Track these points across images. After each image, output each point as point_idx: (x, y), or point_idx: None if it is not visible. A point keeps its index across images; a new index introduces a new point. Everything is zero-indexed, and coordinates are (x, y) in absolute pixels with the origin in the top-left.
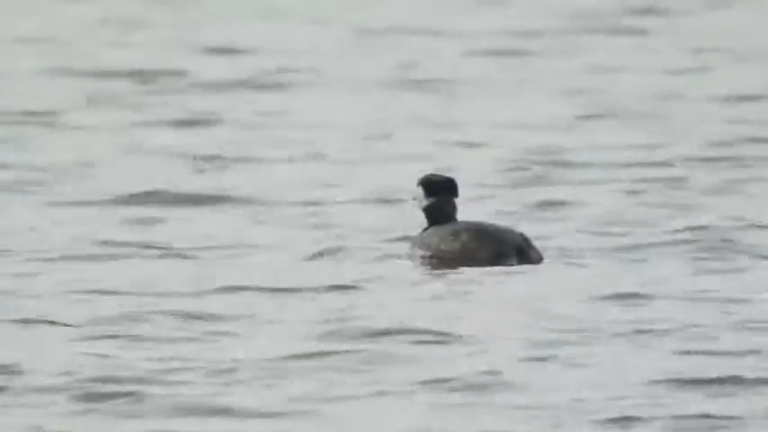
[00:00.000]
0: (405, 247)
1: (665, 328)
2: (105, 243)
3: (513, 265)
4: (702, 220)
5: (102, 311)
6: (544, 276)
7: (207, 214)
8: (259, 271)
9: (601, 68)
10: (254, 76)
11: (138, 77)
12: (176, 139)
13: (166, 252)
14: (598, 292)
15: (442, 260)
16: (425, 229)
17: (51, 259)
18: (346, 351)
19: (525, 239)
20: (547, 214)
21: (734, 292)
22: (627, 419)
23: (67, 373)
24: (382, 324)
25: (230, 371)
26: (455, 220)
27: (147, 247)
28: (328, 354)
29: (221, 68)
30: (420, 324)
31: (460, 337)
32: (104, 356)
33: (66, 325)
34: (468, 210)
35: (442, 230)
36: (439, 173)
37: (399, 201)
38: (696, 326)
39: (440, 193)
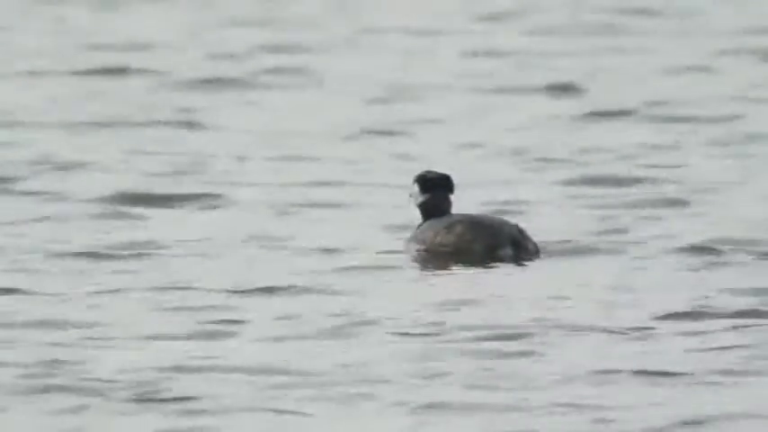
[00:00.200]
0: (401, 244)
1: (658, 322)
2: (108, 244)
3: (508, 256)
4: (701, 220)
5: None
6: (540, 269)
7: (207, 214)
8: (259, 271)
9: (601, 68)
10: (251, 75)
11: (125, 75)
12: (175, 139)
13: (167, 251)
14: (594, 286)
15: (437, 253)
16: (420, 225)
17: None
18: (345, 351)
19: (521, 231)
20: (543, 209)
21: (726, 287)
22: (612, 411)
23: (67, 374)
24: (374, 318)
25: (230, 370)
26: (450, 214)
27: (148, 247)
28: (328, 353)
29: (217, 68)
30: (415, 319)
31: (455, 330)
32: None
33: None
34: (463, 203)
35: (437, 224)
36: (434, 170)
37: (398, 198)
38: (692, 321)
39: (435, 189)
